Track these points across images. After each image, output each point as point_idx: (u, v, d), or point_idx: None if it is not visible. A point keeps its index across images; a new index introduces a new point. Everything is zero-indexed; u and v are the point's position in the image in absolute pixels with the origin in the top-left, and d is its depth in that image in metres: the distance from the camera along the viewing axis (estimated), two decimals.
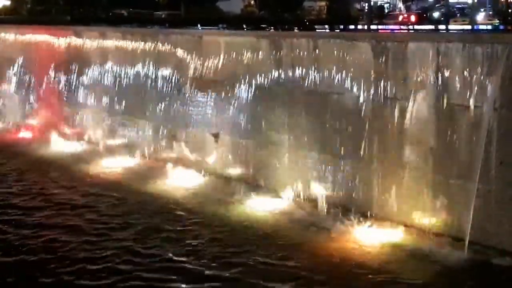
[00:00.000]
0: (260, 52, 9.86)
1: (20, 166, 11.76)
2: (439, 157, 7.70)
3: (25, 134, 14.45)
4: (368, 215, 8.26)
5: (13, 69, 15.47)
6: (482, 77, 7.21)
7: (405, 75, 7.95)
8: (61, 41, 14.28)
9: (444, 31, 9.98)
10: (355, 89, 8.52)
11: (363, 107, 8.43)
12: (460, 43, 7.43)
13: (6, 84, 15.82)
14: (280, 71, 9.52)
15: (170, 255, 7.50)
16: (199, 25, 12.69)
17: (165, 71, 11.60)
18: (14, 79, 15.54)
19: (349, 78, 8.56)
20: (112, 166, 11.64)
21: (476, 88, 7.26)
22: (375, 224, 8.10)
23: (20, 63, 15.33)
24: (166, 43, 11.60)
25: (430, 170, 7.79)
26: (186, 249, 7.69)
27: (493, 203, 7.27)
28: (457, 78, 7.45)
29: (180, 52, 11.26)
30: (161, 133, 11.81)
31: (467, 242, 7.24)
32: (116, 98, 12.81)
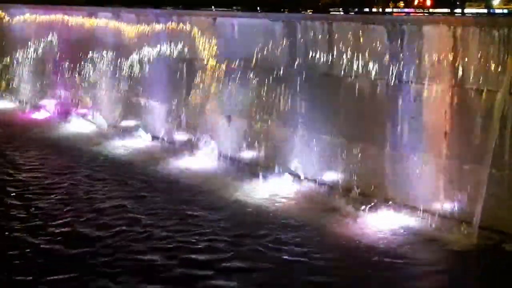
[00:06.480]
0: (274, 35, 9.83)
1: None
2: (453, 141, 7.67)
3: None
4: (383, 199, 8.27)
5: None
6: (498, 61, 7.14)
7: (420, 58, 7.90)
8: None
9: (460, 14, 9.85)
10: (369, 73, 8.48)
11: (377, 91, 8.40)
12: (476, 27, 7.37)
13: None
14: (294, 53, 9.48)
15: None
16: (212, 7, 12.68)
17: None
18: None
19: (363, 61, 8.53)
20: None
21: (491, 72, 7.20)
22: (385, 206, 8.14)
23: None
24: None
25: (444, 155, 7.76)
26: None
27: (506, 188, 7.24)
28: (472, 62, 7.39)
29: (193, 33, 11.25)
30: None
31: (478, 227, 7.21)
32: None
